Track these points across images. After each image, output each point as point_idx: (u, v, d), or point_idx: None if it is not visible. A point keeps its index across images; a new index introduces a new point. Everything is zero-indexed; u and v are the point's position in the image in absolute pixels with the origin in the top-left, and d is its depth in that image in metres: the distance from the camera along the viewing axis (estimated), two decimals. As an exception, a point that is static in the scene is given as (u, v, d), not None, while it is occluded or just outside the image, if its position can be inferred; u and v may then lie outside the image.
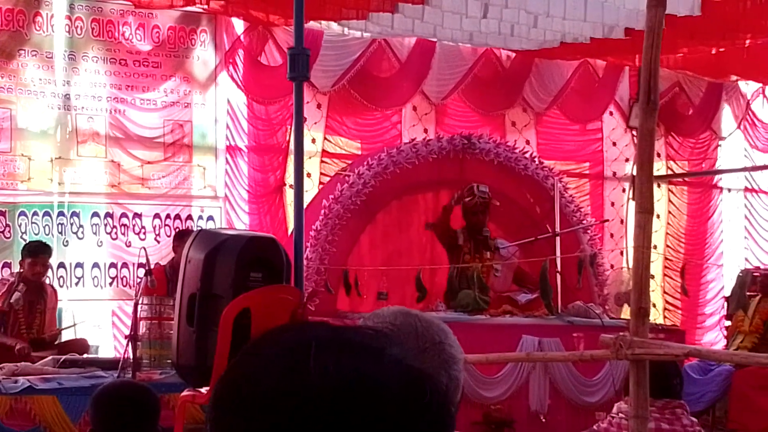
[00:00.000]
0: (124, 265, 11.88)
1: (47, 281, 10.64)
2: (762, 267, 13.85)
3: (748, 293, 12.79)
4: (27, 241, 10.74)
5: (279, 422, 1.23)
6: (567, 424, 10.12)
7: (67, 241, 11.59)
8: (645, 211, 4.66)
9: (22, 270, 10.26)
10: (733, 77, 15.31)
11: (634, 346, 4.56)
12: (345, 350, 1.28)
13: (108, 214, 11.85)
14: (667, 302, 15.09)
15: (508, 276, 12.00)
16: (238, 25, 12.60)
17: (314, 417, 1.22)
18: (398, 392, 1.25)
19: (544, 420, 10.82)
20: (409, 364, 1.29)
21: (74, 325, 11.09)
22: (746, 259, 15.65)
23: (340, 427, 1.22)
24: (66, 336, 10.90)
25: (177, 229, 11.93)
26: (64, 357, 9.65)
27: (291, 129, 11.91)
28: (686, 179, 15.74)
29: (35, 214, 11.46)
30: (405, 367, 1.29)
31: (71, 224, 11.63)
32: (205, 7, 11.99)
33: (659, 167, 14.74)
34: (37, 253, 10.24)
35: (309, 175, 12.31)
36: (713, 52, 13.95)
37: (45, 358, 9.61)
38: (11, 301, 10.09)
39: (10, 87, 11.44)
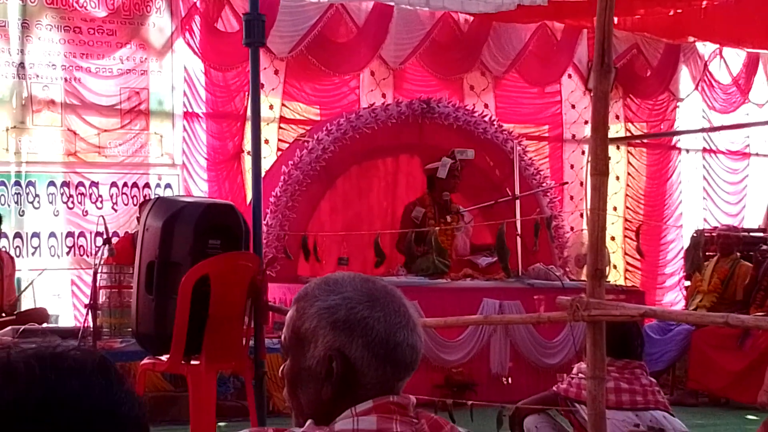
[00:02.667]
0: (81, 234, 11.81)
1: (3, 249, 10.57)
2: (719, 227, 13.94)
3: (707, 253, 12.88)
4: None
5: None
6: (528, 386, 10.17)
7: (23, 211, 11.50)
8: (600, 173, 4.68)
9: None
10: (691, 38, 15.34)
11: (591, 307, 4.58)
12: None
13: (64, 183, 11.77)
14: (627, 263, 15.17)
15: (466, 240, 12.05)
16: (194, -9, 12.51)
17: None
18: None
19: (506, 382, 10.89)
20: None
21: (31, 283, 11.01)
22: (705, 220, 15.75)
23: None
24: (25, 306, 10.85)
25: (135, 198, 11.89)
26: (23, 327, 9.61)
27: (248, 95, 11.87)
28: (645, 141, 15.80)
29: (-9, 183, 11.38)
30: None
31: (27, 194, 11.55)
32: (160, -27, 11.90)
33: (618, 129, 14.80)
34: None
35: (267, 141, 12.29)
36: (671, 13, 13.98)
37: (4, 329, 9.57)
38: (-33, 269, 10.04)
39: (-36, 56, 11.32)
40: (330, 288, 2.24)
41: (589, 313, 4.58)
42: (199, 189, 12.40)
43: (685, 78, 15.78)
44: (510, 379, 10.95)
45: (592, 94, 14.01)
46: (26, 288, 10.96)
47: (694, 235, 13.40)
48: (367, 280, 2.26)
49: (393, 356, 2.18)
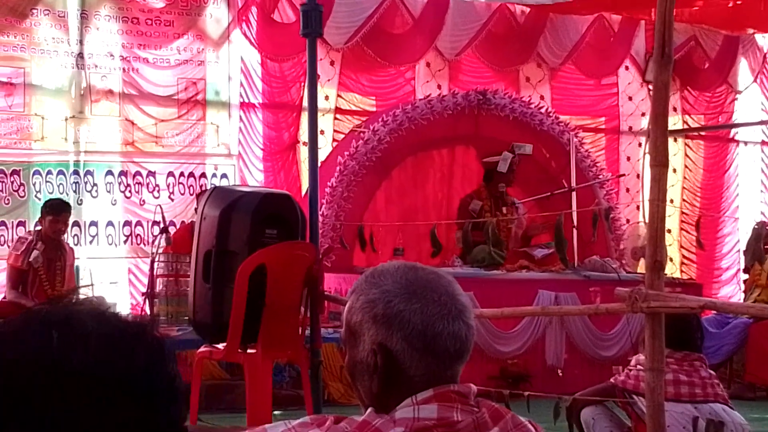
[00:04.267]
0: (138, 223, 11.89)
1: (64, 240, 10.67)
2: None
3: (765, 246, 12.75)
4: (47, 199, 10.74)
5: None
6: (583, 378, 10.12)
7: (81, 200, 11.60)
8: (659, 164, 4.64)
9: (41, 228, 10.29)
10: (750, 30, 15.19)
11: (650, 299, 4.55)
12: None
13: (122, 173, 11.86)
14: (683, 256, 15.06)
15: (518, 233, 12.04)
16: (251, -19, 12.55)
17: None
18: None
19: (560, 374, 10.85)
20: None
21: (92, 285, 11.13)
22: (762, 213, 15.59)
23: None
24: (83, 294, 10.95)
25: (191, 188, 11.97)
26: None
27: (304, 86, 11.90)
28: (702, 133, 15.66)
29: (49, 173, 11.48)
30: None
31: (85, 183, 11.65)
32: (218, -36, 11.95)
33: (675, 121, 14.68)
34: (60, 211, 10.26)
35: (322, 132, 12.30)
36: (730, 5, 13.86)
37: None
38: (30, 259, 10.13)
39: (23, 46, 11.43)
40: (373, 281, 2.25)
41: (648, 304, 4.54)
42: (255, 179, 12.44)
43: (743, 70, 15.62)
44: (565, 371, 10.91)
45: (649, 86, 13.97)
46: (85, 287, 11.02)
47: (756, 227, 13.25)
48: (410, 270, 2.26)
49: (433, 347, 2.18)
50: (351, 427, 2.13)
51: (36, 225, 10.62)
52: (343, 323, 2.30)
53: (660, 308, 4.57)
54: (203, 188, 11.59)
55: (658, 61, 4.68)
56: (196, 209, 10.70)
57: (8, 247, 10.79)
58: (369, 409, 2.21)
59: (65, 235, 10.78)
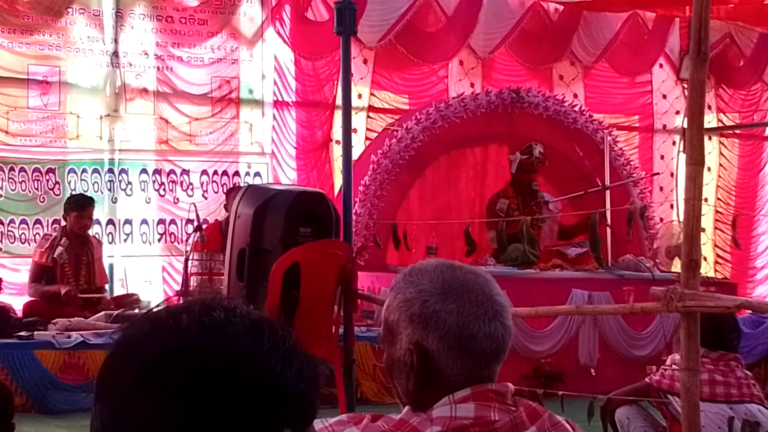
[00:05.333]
0: (172, 221, 11.94)
1: (91, 233, 10.71)
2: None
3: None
4: (70, 195, 10.81)
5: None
6: (616, 377, 10.09)
7: (115, 198, 11.66)
8: (696, 162, 4.61)
9: (66, 224, 10.34)
10: (786, 28, 15.10)
11: (685, 298, 4.52)
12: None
13: (156, 171, 11.91)
14: (717, 255, 14.99)
15: (554, 229, 11.99)
16: (285, -20, 12.58)
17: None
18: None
19: (593, 373, 10.81)
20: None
21: (125, 280, 11.18)
22: (797, 211, 15.51)
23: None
24: (117, 291, 11.01)
25: (225, 186, 12.00)
26: (116, 312, 9.75)
27: (338, 84, 11.92)
28: (737, 131, 15.58)
29: (84, 171, 11.54)
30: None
31: (120, 181, 11.70)
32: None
33: (710, 120, 14.59)
34: (84, 205, 10.32)
35: (355, 130, 12.29)
36: (765, 2, 13.75)
37: (97, 314, 9.71)
38: (54, 256, 10.18)
39: (59, 45, 11.49)
40: (410, 279, 2.25)
41: (683, 304, 4.52)
42: (287, 177, 12.47)
43: (779, 68, 15.53)
44: (598, 371, 10.87)
45: (684, 84, 13.90)
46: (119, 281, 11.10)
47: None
48: (448, 269, 2.26)
49: (469, 347, 2.18)
50: (388, 426, 2.13)
51: (61, 221, 10.67)
52: (381, 321, 2.31)
53: (696, 308, 4.54)
54: (235, 185, 11.62)
55: (694, 59, 4.65)
56: (225, 206, 10.80)
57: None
58: (406, 408, 2.21)
59: (98, 234, 10.84)
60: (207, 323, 1.38)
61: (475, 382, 2.17)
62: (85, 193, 10.81)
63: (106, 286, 10.86)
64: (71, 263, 10.29)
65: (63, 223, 10.51)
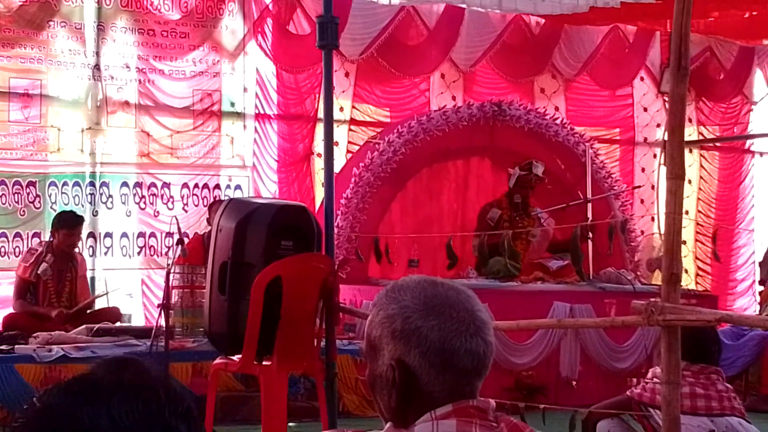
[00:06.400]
0: (152, 234, 11.92)
1: (76, 251, 10.70)
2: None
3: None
4: (60, 212, 10.76)
5: None
6: (598, 389, 10.12)
7: (96, 211, 11.63)
8: (676, 177, 4.63)
9: (53, 240, 10.31)
10: (766, 41, 15.17)
11: (666, 311, 4.53)
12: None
13: (137, 184, 11.89)
14: (698, 268, 15.04)
15: (543, 244, 12.03)
16: (267, -7, 12.57)
17: None
18: None
19: (575, 386, 10.83)
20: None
21: (106, 293, 11.16)
22: (777, 225, 15.56)
23: None
24: (98, 305, 10.98)
25: (205, 198, 11.99)
26: (97, 326, 9.73)
27: (319, 97, 11.92)
28: (717, 144, 15.64)
29: (65, 184, 11.51)
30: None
31: (101, 194, 11.68)
32: (233, -25, 11.98)
33: (690, 132, 14.64)
34: (75, 224, 10.32)
35: (337, 143, 12.22)
36: (746, 15, 13.83)
37: (78, 328, 9.69)
38: (39, 272, 10.17)
39: (40, 58, 11.47)
40: (393, 296, 2.26)
41: (664, 317, 4.53)
42: (268, 191, 12.46)
43: (759, 81, 15.60)
44: (579, 383, 10.90)
45: (665, 97, 13.94)
46: (102, 295, 11.07)
47: (773, 240, 13.24)
48: (430, 285, 2.26)
49: (450, 363, 2.18)
50: (370, 442, 2.14)
51: (47, 236, 10.65)
52: (364, 336, 2.31)
53: (676, 321, 4.56)
54: (216, 199, 11.60)
55: (675, 74, 4.67)
56: (208, 219, 10.79)
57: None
58: (388, 425, 2.21)
59: (78, 247, 10.81)
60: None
61: (457, 398, 2.18)
62: (75, 212, 10.75)
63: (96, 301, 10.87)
64: (54, 280, 10.27)
65: (48, 237, 10.49)
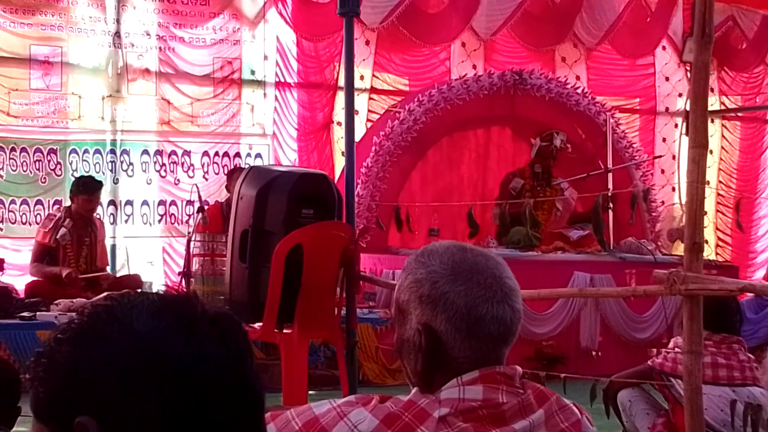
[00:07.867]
0: (173, 202, 11.93)
1: (96, 216, 10.70)
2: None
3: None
4: (79, 177, 10.76)
5: None
6: (617, 359, 10.10)
7: (117, 179, 11.65)
8: (699, 145, 4.61)
9: (72, 205, 10.32)
10: (789, 10, 15.06)
11: (688, 281, 4.52)
12: None
13: (158, 152, 11.90)
14: (719, 239, 14.99)
15: (564, 215, 12.01)
16: (287, -40, 12.53)
17: None
18: None
19: (595, 356, 10.83)
20: None
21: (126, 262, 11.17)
22: (798, 195, 15.49)
23: None
24: (119, 272, 11.01)
25: (226, 167, 11.99)
26: (118, 293, 9.73)
27: (339, 66, 11.89)
28: (739, 114, 15.55)
29: (86, 151, 11.53)
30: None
31: (122, 162, 11.69)
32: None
33: (712, 102, 14.57)
34: (94, 190, 10.31)
35: (357, 112, 12.21)
36: (768, -16, 13.73)
37: (99, 295, 9.71)
38: (57, 237, 10.18)
39: (61, 25, 11.46)
40: (422, 260, 2.25)
41: (686, 287, 4.52)
42: (288, 159, 12.46)
43: (782, 50, 15.49)
44: (599, 353, 10.89)
45: (687, 67, 13.87)
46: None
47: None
48: (459, 251, 2.25)
49: (476, 330, 2.17)
50: (396, 407, 2.14)
51: (66, 202, 10.66)
52: (393, 301, 2.31)
53: (699, 291, 4.55)
54: (236, 166, 11.61)
55: (698, 41, 4.64)
56: (227, 186, 10.79)
57: (44, 225, 10.84)
58: (414, 389, 2.21)
59: (98, 214, 10.83)
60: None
61: (484, 364, 2.17)
62: (95, 177, 10.75)
63: (108, 268, 10.87)
64: (73, 244, 10.29)
65: (68, 203, 10.50)
